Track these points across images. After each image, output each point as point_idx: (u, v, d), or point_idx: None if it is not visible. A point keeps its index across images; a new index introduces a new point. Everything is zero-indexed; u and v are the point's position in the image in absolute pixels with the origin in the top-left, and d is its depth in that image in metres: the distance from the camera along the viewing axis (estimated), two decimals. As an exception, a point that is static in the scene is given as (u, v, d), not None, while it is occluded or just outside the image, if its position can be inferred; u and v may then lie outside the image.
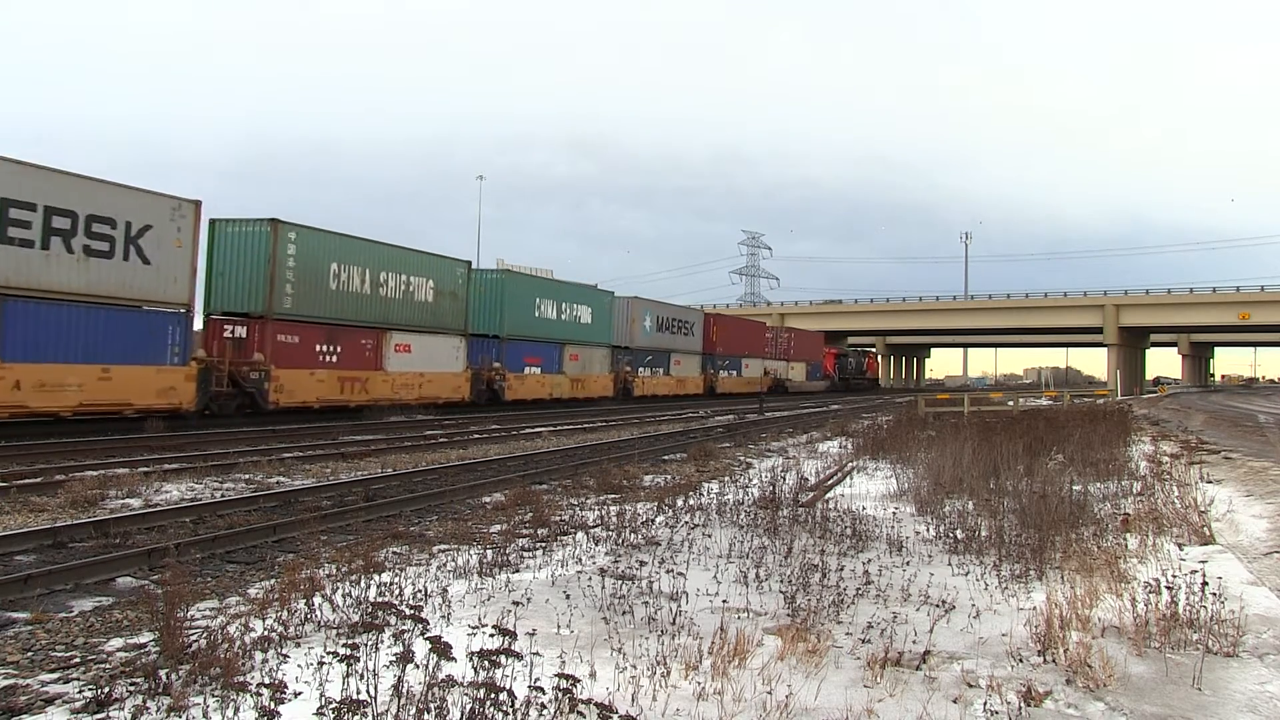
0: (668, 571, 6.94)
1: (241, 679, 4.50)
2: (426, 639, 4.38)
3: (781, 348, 64.57)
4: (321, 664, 4.58)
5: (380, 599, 5.92)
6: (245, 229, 24.44)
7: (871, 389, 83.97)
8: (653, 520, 9.43)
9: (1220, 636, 5.46)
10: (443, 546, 9.09)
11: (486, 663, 4.08)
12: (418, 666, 4.23)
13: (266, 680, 4.45)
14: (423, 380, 29.21)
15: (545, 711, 3.96)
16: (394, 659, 4.24)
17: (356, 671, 4.29)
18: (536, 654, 4.68)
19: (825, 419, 32.39)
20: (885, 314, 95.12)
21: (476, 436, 22.19)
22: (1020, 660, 5.26)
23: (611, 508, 10.44)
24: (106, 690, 4.82)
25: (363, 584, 6.71)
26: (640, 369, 44.80)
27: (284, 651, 5.27)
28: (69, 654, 5.67)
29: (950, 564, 7.79)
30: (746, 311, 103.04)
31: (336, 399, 25.90)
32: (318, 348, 25.36)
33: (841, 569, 7.26)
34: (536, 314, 36.74)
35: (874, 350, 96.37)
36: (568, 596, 6.36)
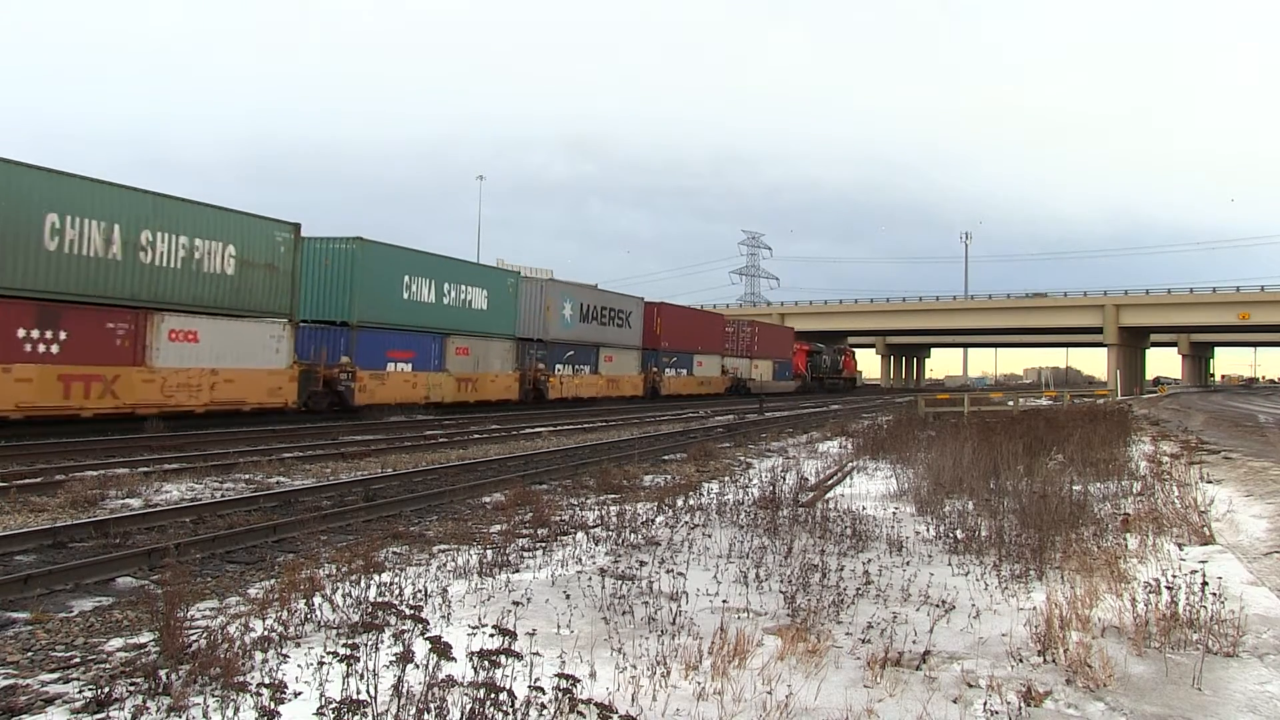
0: (668, 571, 6.94)
1: (241, 679, 4.51)
2: (426, 639, 4.38)
3: (744, 343, 57.92)
4: (321, 664, 4.58)
5: (380, 599, 5.92)
6: None
7: (849, 389, 78.66)
8: (653, 520, 9.43)
9: (1220, 636, 5.46)
10: (443, 546, 9.09)
11: (486, 663, 4.08)
12: (418, 666, 4.23)
13: (266, 680, 4.45)
14: (217, 380, 21.57)
15: (545, 711, 3.97)
16: (394, 659, 4.24)
17: (356, 671, 4.29)
18: (536, 654, 4.68)
19: (825, 419, 32.40)
20: (885, 314, 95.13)
21: (476, 436, 22.20)
22: (1020, 660, 5.26)
23: (611, 508, 10.45)
24: (106, 690, 4.82)
25: (363, 584, 6.71)
26: (558, 366, 37.10)
27: (284, 651, 5.27)
28: (69, 654, 5.67)
29: (950, 564, 7.79)
30: (746, 312, 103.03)
31: (55, 406, 18.08)
32: (21, 333, 17.57)
33: (841, 569, 7.27)
34: (406, 295, 28.68)
35: (851, 347, 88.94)
36: (568, 596, 6.36)
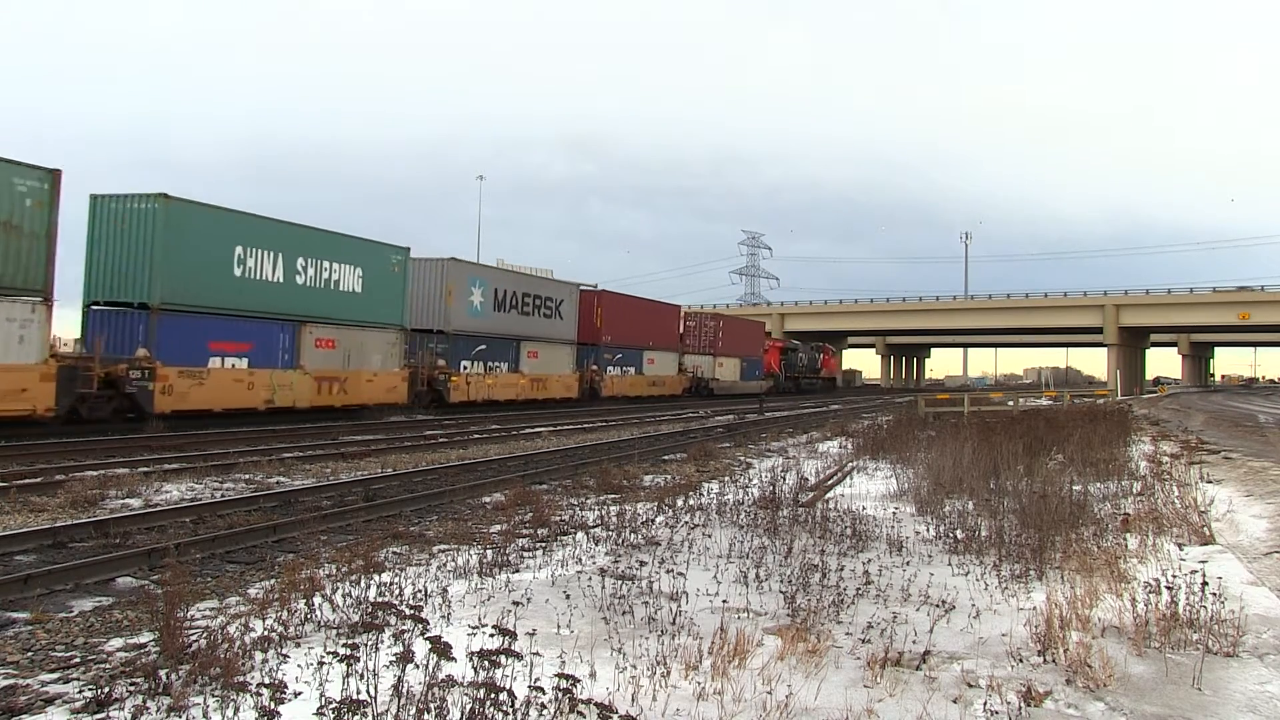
0: (668, 571, 6.94)
1: (241, 679, 4.51)
2: (426, 639, 4.38)
3: (706, 339, 52.64)
4: (321, 664, 4.58)
5: (380, 599, 5.92)
6: None
7: (827, 389, 73.59)
8: (653, 520, 9.43)
9: (1220, 636, 5.46)
10: (443, 546, 9.09)
11: (486, 663, 4.08)
12: (418, 666, 4.23)
13: (266, 680, 4.45)
14: None
15: (545, 711, 3.97)
16: (394, 659, 4.24)
17: (356, 671, 4.29)
18: (536, 654, 4.68)
19: (825, 419, 32.41)
20: (885, 314, 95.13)
21: (477, 436, 22.20)
22: (1020, 660, 5.26)
23: (611, 508, 10.45)
24: (106, 690, 4.82)
25: (363, 584, 6.71)
26: (465, 363, 31.21)
27: (284, 651, 5.27)
28: (69, 654, 5.67)
29: (950, 564, 7.79)
30: (746, 311, 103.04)
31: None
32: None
33: (841, 569, 7.27)
34: (239, 272, 22.64)
35: (829, 345, 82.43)
36: (568, 596, 6.36)
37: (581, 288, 40.52)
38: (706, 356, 52.20)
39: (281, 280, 23.83)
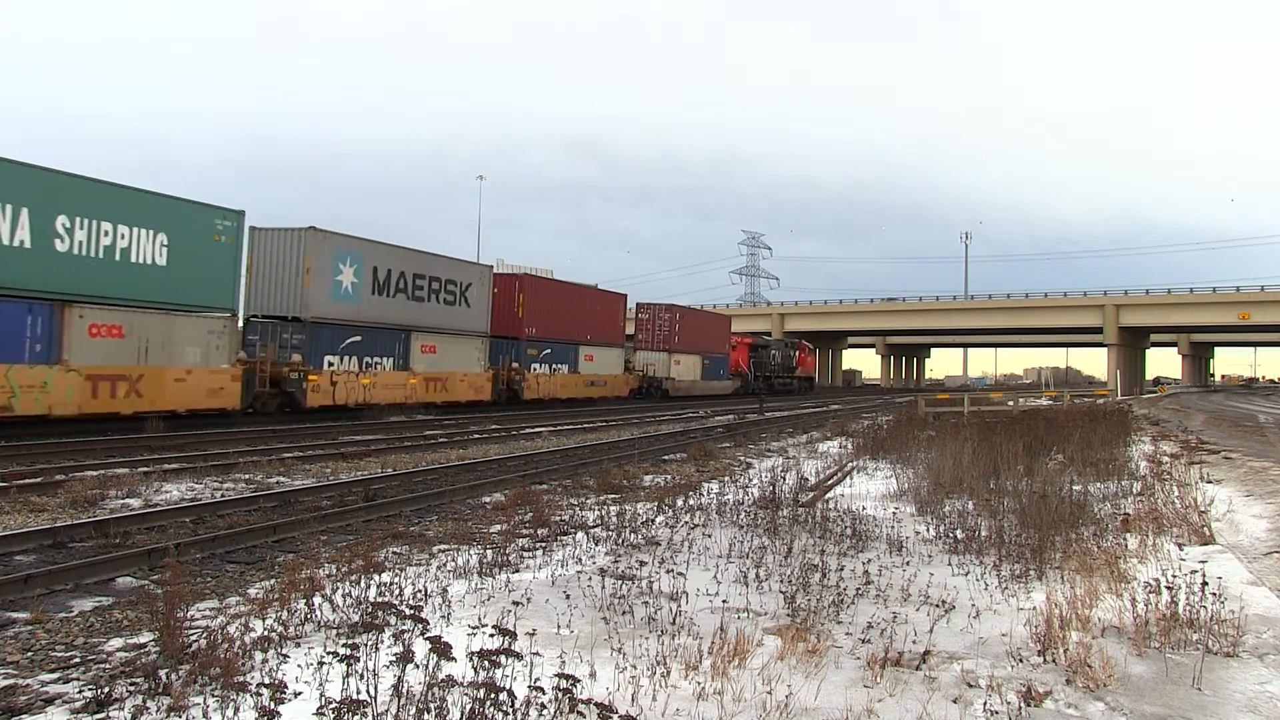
0: (668, 571, 6.94)
1: (241, 679, 4.51)
2: (426, 639, 4.38)
3: (660, 334, 46.92)
4: (321, 664, 4.58)
5: (380, 599, 5.92)
6: None
7: (804, 391, 66.94)
8: (653, 520, 9.43)
9: (1220, 636, 5.46)
10: (443, 546, 9.09)
11: (486, 663, 4.08)
12: (418, 666, 4.23)
13: (266, 680, 4.45)
14: None
15: (545, 711, 3.96)
16: (394, 659, 4.24)
17: (356, 671, 4.29)
18: (536, 654, 4.68)
19: (825, 419, 32.41)
20: (885, 314, 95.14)
21: (476, 436, 22.20)
22: (1020, 660, 5.26)
23: (611, 508, 10.44)
24: (106, 690, 4.82)
25: (363, 584, 6.71)
26: (329, 358, 25.29)
27: (284, 651, 5.27)
28: (69, 654, 5.67)
29: (950, 564, 7.79)
30: (746, 312, 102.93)
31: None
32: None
33: (841, 569, 7.26)
34: None
35: (807, 342, 75.79)
36: (568, 596, 6.36)
37: (497, 271, 35.39)
38: (660, 353, 46.70)
39: (28, 243, 17.59)
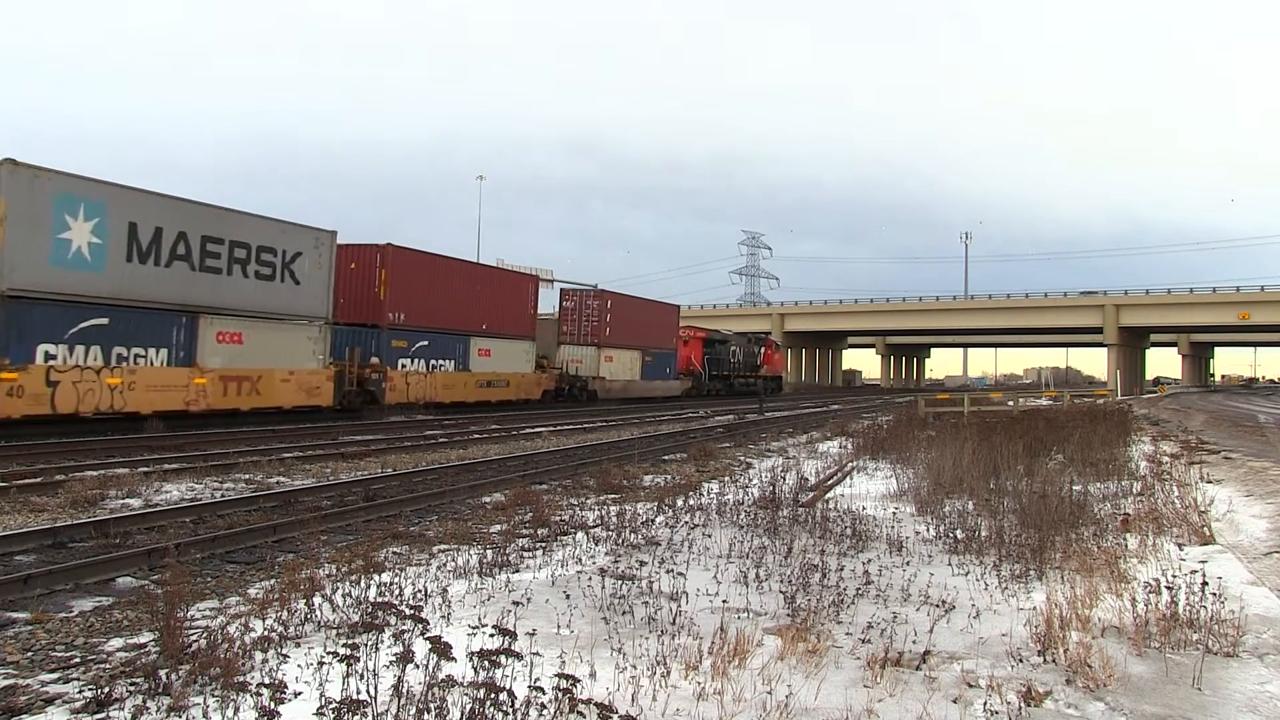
0: (668, 571, 6.94)
1: (241, 679, 4.50)
2: (426, 639, 4.39)
3: (588, 324, 39.91)
4: (321, 664, 4.58)
5: (380, 599, 5.92)
6: None
7: (770, 392, 58.88)
8: (653, 520, 9.43)
9: (1220, 636, 5.46)
10: (443, 546, 9.10)
11: (486, 663, 4.08)
12: (418, 666, 4.23)
13: (266, 680, 4.45)
14: None
15: (545, 711, 3.97)
16: (394, 659, 4.24)
17: (356, 671, 4.29)
18: (536, 654, 4.68)
19: (825, 419, 32.42)
20: (885, 314, 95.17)
21: (477, 436, 22.21)
22: (1020, 660, 5.26)
23: (611, 508, 10.45)
24: (106, 690, 4.82)
25: (363, 584, 6.71)
26: (46, 348, 17.94)
27: (284, 651, 5.27)
28: (69, 654, 5.67)
29: (950, 564, 7.79)
30: (746, 312, 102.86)
31: None
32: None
33: (841, 569, 7.27)
34: None
35: (773, 338, 68.83)
36: (568, 596, 6.36)
37: (344, 241, 26.04)
38: (588, 348, 39.69)
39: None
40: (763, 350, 60.90)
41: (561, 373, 38.24)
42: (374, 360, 26.99)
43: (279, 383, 23.21)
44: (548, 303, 46.78)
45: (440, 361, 30.02)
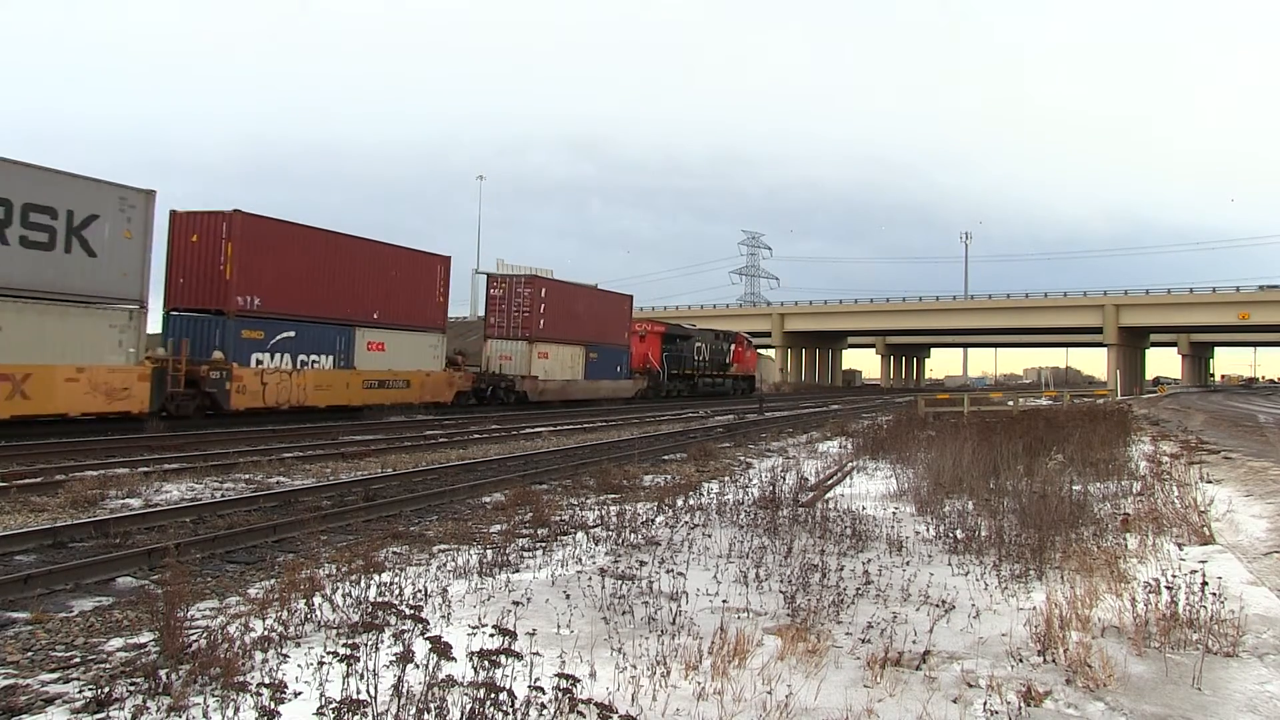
0: (668, 571, 6.94)
1: (241, 679, 4.51)
2: (426, 639, 4.39)
3: (519, 315, 34.67)
4: (321, 664, 4.58)
5: (380, 599, 5.92)
6: None
7: (741, 393, 54.63)
8: (653, 520, 9.44)
9: (1220, 636, 5.46)
10: (443, 546, 9.10)
11: (486, 663, 4.08)
12: (418, 666, 4.23)
13: (266, 680, 4.45)
14: None
15: (545, 711, 3.97)
16: (394, 659, 4.24)
17: (356, 671, 4.29)
18: (536, 654, 4.68)
19: (825, 419, 32.42)
20: (885, 314, 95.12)
21: (476, 436, 22.21)
22: (1020, 660, 5.26)
23: (611, 508, 10.45)
24: (106, 690, 4.82)
25: (363, 584, 6.72)
26: None
27: (284, 651, 5.28)
28: (69, 654, 5.67)
29: (950, 564, 7.79)
30: (746, 312, 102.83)
31: None
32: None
33: (841, 569, 7.27)
34: None
35: (745, 335, 61.32)
36: (568, 596, 6.36)
37: (167, 206, 22.20)
38: (518, 343, 34.58)
39: None
40: (732, 347, 55.55)
41: (481, 371, 33.81)
42: (216, 354, 21.90)
43: (61, 384, 17.73)
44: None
45: (314, 356, 24.80)
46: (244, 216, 22.67)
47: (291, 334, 24.19)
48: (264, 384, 22.99)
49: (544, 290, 35.69)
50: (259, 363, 23.11)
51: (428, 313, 29.47)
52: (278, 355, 23.77)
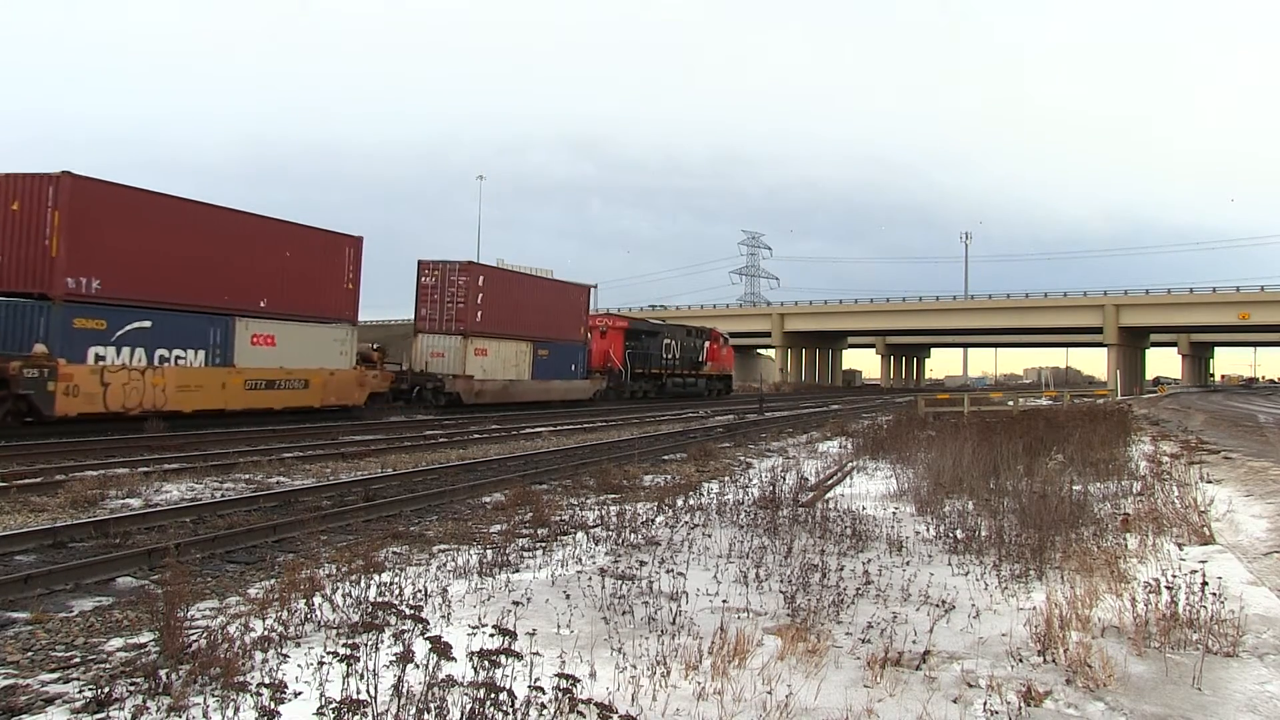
0: (668, 571, 6.94)
1: (241, 679, 4.51)
2: (426, 639, 4.39)
3: (453, 307, 30.79)
4: (321, 664, 4.58)
5: (380, 599, 5.92)
6: None
7: (717, 394, 51.78)
8: (653, 520, 9.44)
9: (1220, 636, 5.46)
10: (443, 546, 9.10)
11: (486, 663, 4.08)
12: (418, 666, 4.23)
13: (266, 680, 4.45)
14: None
15: (545, 711, 3.97)
16: (394, 659, 4.24)
17: (356, 671, 4.29)
18: (536, 654, 4.68)
19: (825, 419, 32.41)
20: (885, 314, 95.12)
21: (477, 436, 22.21)
22: (1020, 660, 5.26)
23: (611, 508, 10.45)
24: (106, 690, 4.82)
25: (363, 584, 6.72)
26: None
27: (284, 651, 5.28)
28: (69, 654, 5.67)
29: (950, 564, 7.79)
30: (746, 312, 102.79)
31: None
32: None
33: (841, 569, 7.27)
34: None
35: (720, 331, 56.15)
36: (568, 596, 6.36)
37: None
38: (451, 337, 30.71)
39: None
40: (706, 344, 51.34)
41: (404, 370, 30.04)
42: (39, 348, 17.85)
43: None
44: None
45: (177, 352, 20.63)
46: (75, 180, 18.49)
47: (146, 324, 19.98)
48: (105, 384, 18.86)
49: (482, 278, 31.69)
50: (99, 359, 18.89)
51: (332, 301, 25.27)
52: (125, 350, 19.51)
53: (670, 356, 47.17)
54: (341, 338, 25.65)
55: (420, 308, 31.36)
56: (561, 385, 36.45)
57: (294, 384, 23.86)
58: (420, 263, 31.60)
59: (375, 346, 28.34)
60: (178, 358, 20.70)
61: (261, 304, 22.98)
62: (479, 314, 31.27)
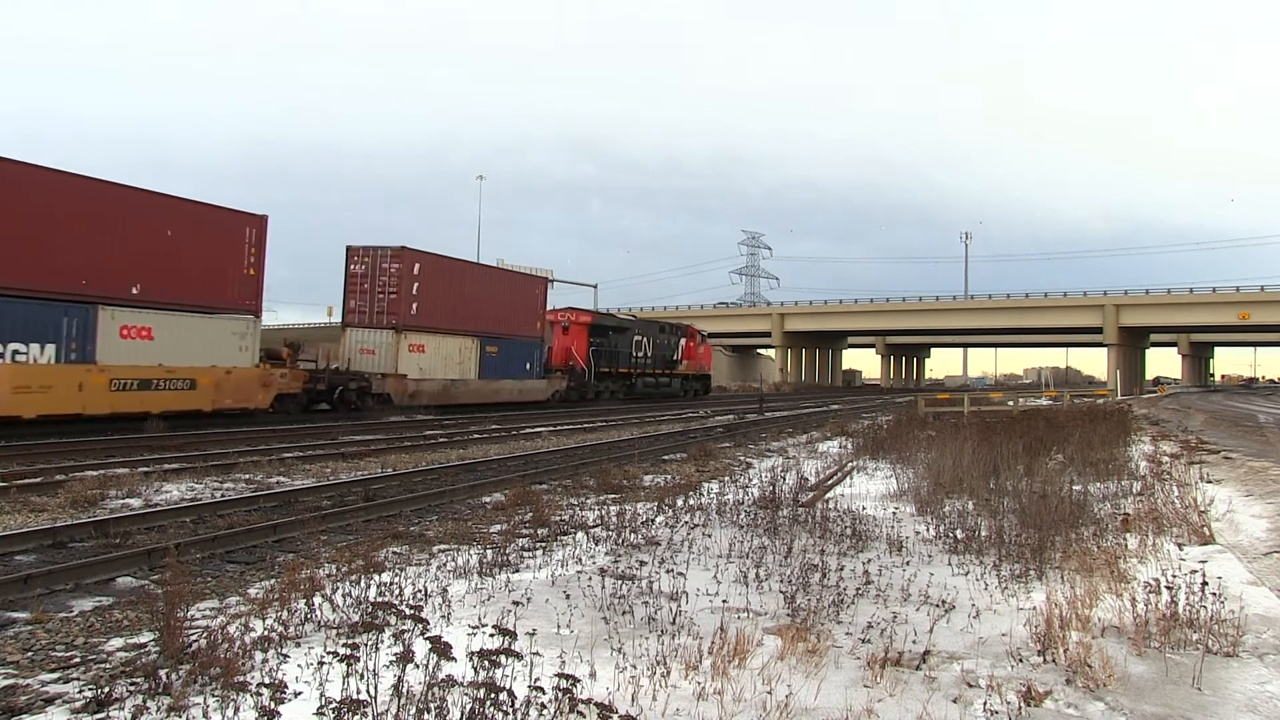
0: (668, 571, 6.94)
1: (241, 679, 4.51)
2: (426, 639, 4.39)
3: (385, 298, 27.82)
4: (321, 664, 4.58)
5: (380, 599, 5.92)
6: None
7: (693, 394, 48.65)
8: (653, 520, 9.43)
9: (1220, 636, 5.46)
10: (443, 546, 9.10)
11: (486, 663, 4.08)
12: (418, 666, 4.23)
13: (266, 680, 4.45)
14: None
15: (545, 711, 3.97)
16: (394, 659, 4.24)
17: (356, 671, 4.29)
18: (536, 654, 4.68)
19: (825, 419, 32.41)
20: (885, 314, 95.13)
21: (476, 436, 22.21)
22: (1020, 660, 5.26)
23: (611, 508, 10.45)
24: (106, 690, 4.82)
25: (363, 584, 6.72)
26: None
27: (284, 651, 5.28)
28: (69, 654, 5.67)
29: (950, 564, 7.79)
30: (746, 312, 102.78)
31: None
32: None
33: (841, 569, 7.27)
34: None
35: (697, 328, 52.31)
36: (568, 596, 6.36)
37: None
38: (383, 332, 27.65)
39: None
40: (682, 342, 47.79)
41: (322, 368, 26.28)
42: None
43: None
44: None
45: (14, 346, 17.29)
46: None
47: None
48: None
49: (418, 266, 28.05)
50: None
51: (228, 289, 21.86)
52: None
53: (641, 355, 43.69)
54: (241, 331, 22.23)
55: (348, 299, 28.05)
56: (513, 385, 33.18)
57: (177, 384, 20.42)
58: (349, 249, 28.27)
59: (287, 343, 25.75)
60: (15, 353, 17.30)
61: (134, 290, 19.62)
62: (414, 305, 28.06)
